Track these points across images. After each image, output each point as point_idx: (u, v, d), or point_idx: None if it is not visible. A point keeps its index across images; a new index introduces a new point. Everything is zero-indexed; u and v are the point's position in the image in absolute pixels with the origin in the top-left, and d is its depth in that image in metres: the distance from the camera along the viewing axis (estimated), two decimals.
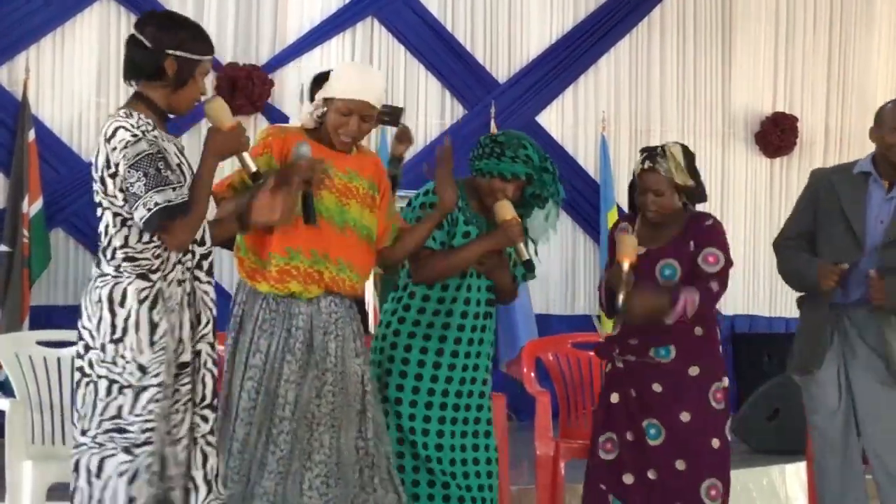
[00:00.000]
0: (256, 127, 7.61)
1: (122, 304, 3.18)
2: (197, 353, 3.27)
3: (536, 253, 4.10)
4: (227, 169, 3.75)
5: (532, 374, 4.90)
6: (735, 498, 5.70)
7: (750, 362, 8.69)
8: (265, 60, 7.69)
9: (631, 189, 4.29)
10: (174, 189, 3.13)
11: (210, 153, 3.26)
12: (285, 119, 7.60)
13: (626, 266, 4.00)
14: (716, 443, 4.21)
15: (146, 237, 3.18)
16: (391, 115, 5.24)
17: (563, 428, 4.96)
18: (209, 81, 7.37)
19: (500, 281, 4.02)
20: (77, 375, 3.21)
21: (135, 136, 3.15)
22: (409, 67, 8.26)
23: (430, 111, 8.28)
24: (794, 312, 10.25)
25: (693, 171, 4.17)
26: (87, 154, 6.85)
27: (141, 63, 3.27)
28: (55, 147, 7.10)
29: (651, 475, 4.17)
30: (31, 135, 6.88)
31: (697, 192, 4.20)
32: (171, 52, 3.24)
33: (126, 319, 3.17)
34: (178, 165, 3.25)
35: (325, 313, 3.63)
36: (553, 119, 8.69)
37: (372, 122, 3.76)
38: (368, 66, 3.74)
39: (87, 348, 3.19)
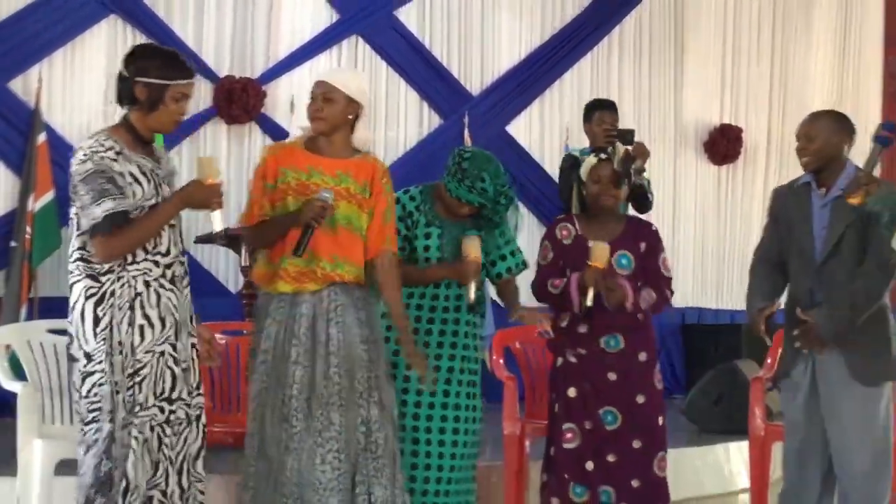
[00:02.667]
0: (251, 134, 7.62)
1: (76, 299, 3.29)
2: (161, 353, 3.32)
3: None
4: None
5: (501, 361, 4.90)
6: (684, 474, 5.75)
7: (698, 351, 8.72)
8: (259, 74, 7.65)
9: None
10: (114, 199, 3.23)
11: (180, 197, 3.35)
12: (276, 126, 7.61)
13: (599, 268, 4.07)
14: (661, 420, 4.26)
15: None
16: (623, 135, 5.44)
17: (529, 410, 4.97)
18: (200, 98, 7.43)
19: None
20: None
21: (85, 156, 3.27)
22: (390, 81, 8.23)
23: (409, 121, 8.26)
24: (738, 305, 10.34)
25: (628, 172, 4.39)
26: None
27: (120, 91, 3.38)
28: (65, 151, 7.02)
29: (611, 458, 4.17)
30: (41, 137, 6.84)
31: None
32: (140, 79, 3.33)
33: (78, 313, 3.28)
34: (137, 181, 3.30)
35: (327, 302, 3.67)
36: (521, 129, 8.69)
37: (337, 104, 3.70)
38: None
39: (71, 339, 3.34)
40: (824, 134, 4.05)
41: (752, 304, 4.15)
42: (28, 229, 6.65)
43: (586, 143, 8.58)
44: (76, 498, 3.28)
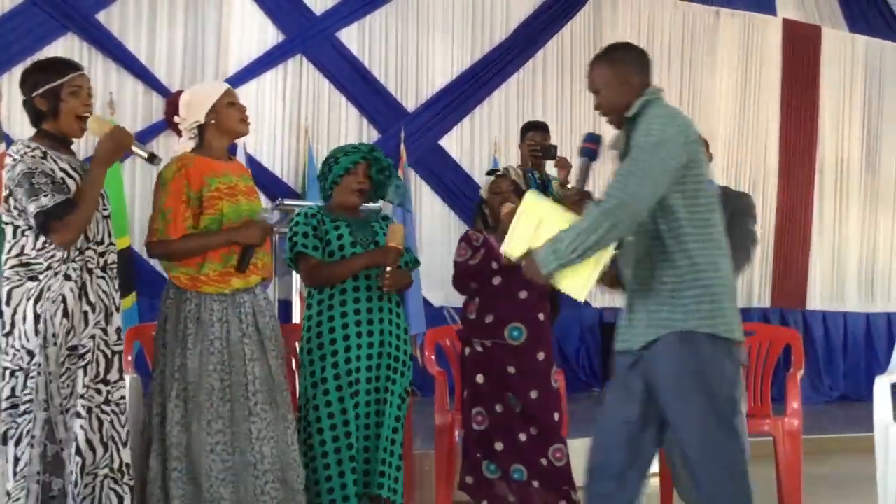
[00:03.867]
0: None
1: (8, 303, 3.22)
2: (91, 337, 3.27)
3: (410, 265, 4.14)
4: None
5: (433, 357, 4.92)
6: None
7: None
8: None
9: (478, 210, 4.46)
10: (46, 195, 3.16)
11: (97, 161, 3.27)
12: None
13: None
14: (556, 416, 4.33)
15: (39, 244, 3.22)
16: (546, 150, 5.44)
17: (458, 402, 4.99)
18: (153, 111, 7.36)
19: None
20: None
21: (14, 160, 3.23)
22: (332, 98, 8.23)
23: (350, 135, 8.25)
24: None
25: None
26: None
27: (28, 113, 3.35)
28: None
29: (522, 437, 4.25)
30: (1, 147, 6.73)
31: None
32: (35, 93, 3.30)
33: (14, 315, 3.21)
34: (63, 180, 3.25)
35: (260, 298, 3.70)
36: (454, 143, 8.73)
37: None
38: None
39: None
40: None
41: None
42: None
43: (513, 154, 8.71)
44: (22, 487, 3.18)
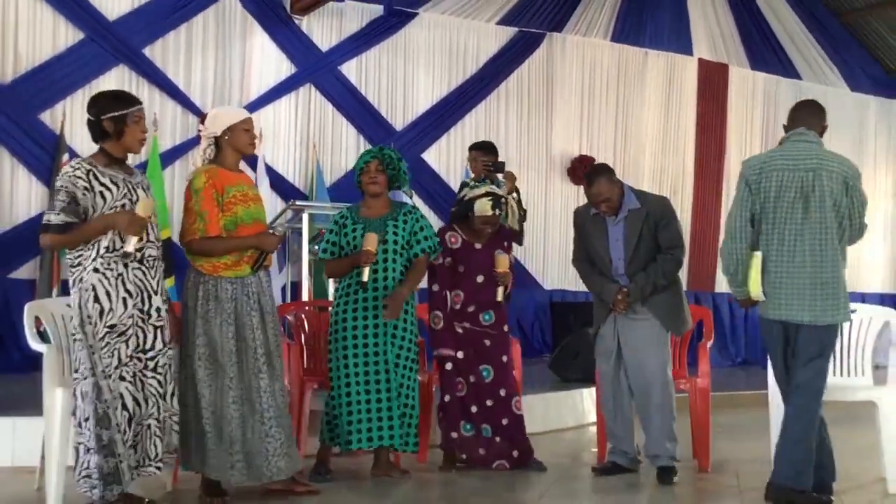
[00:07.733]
0: None
1: (74, 285, 3.27)
2: (130, 317, 3.29)
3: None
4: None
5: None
6: (550, 412, 5.84)
7: (561, 321, 8.83)
8: None
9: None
10: (56, 213, 3.22)
11: (110, 220, 3.26)
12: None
13: (506, 272, 4.25)
14: (515, 373, 4.41)
15: None
16: (497, 165, 5.27)
17: (436, 368, 4.96)
18: (189, 128, 7.32)
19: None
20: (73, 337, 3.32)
21: (62, 173, 3.27)
22: (335, 119, 8.20)
23: (350, 150, 8.24)
24: None
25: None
26: None
27: (93, 131, 3.34)
28: None
29: (489, 403, 4.28)
30: (65, 157, 6.67)
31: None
32: (104, 117, 3.30)
33: (73, 297, 3.27)
34: (108, 189, 3.26)
35: (263, 280, 3.72)
36: (433, 156, 8.73)
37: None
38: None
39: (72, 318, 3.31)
40: (613, 189, 4.09)
41: (608, 289, 4.17)
42: None
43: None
44: (87, 437, 3.24)
